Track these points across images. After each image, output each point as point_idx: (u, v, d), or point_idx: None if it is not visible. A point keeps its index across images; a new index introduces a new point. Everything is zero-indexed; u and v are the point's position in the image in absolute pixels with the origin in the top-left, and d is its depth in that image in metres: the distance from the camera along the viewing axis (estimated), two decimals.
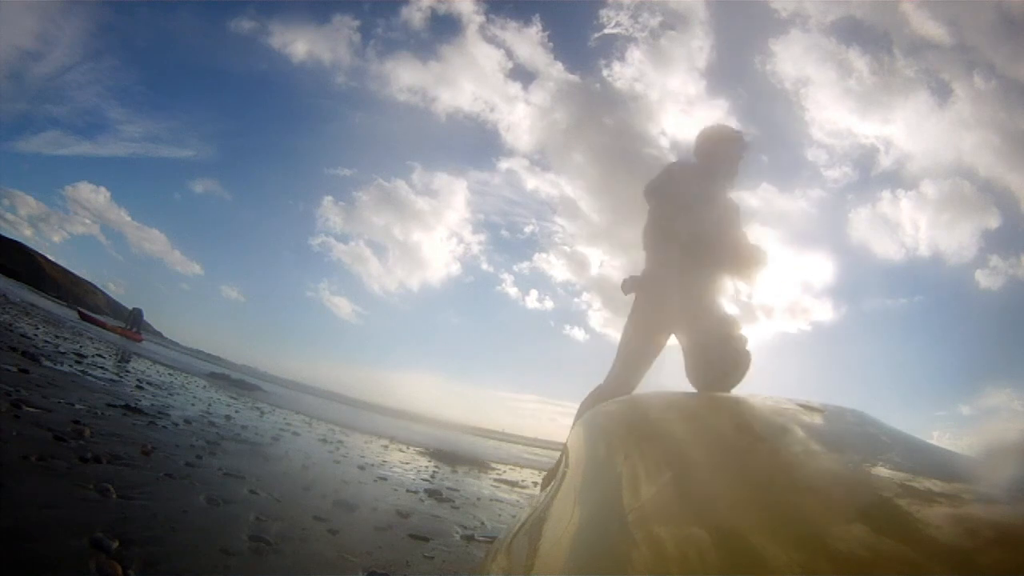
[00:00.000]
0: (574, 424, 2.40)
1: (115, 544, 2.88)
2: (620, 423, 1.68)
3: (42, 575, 2.47)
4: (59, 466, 3.85)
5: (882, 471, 0.99)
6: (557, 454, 2.55)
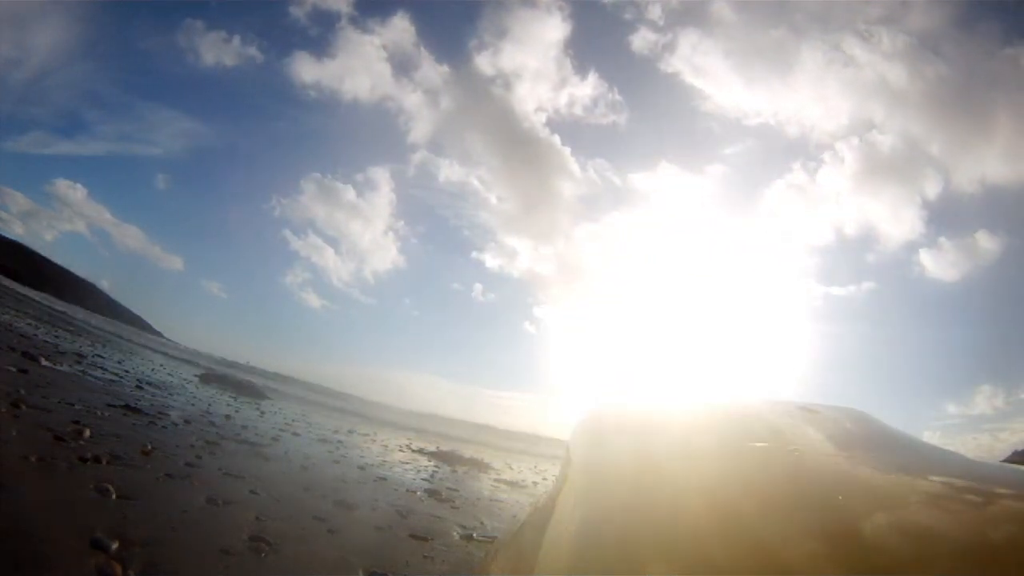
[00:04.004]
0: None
1: (115, 544, 2.88)
2: (620, 425, 1.68)
3: (42, 575, 2.47)
4: (59, 466, 3.85)
5: (882, 471, 0.99)
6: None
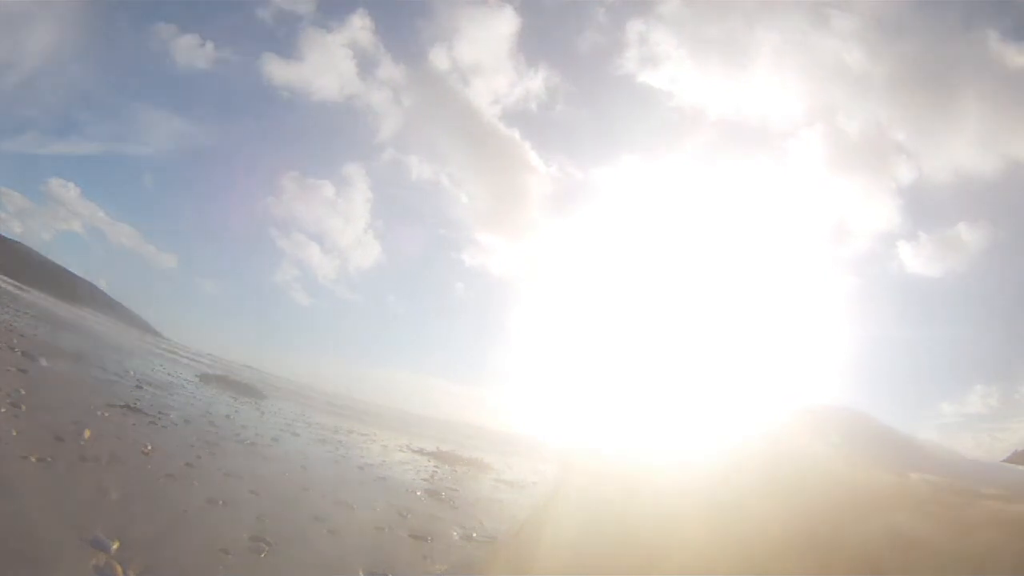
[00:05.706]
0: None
1: (115, 544, 2.88)
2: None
3: (42, 575, 2.47)
4: (59, 466, 3.85)
5: (884, 470, 0.99)
6: None
